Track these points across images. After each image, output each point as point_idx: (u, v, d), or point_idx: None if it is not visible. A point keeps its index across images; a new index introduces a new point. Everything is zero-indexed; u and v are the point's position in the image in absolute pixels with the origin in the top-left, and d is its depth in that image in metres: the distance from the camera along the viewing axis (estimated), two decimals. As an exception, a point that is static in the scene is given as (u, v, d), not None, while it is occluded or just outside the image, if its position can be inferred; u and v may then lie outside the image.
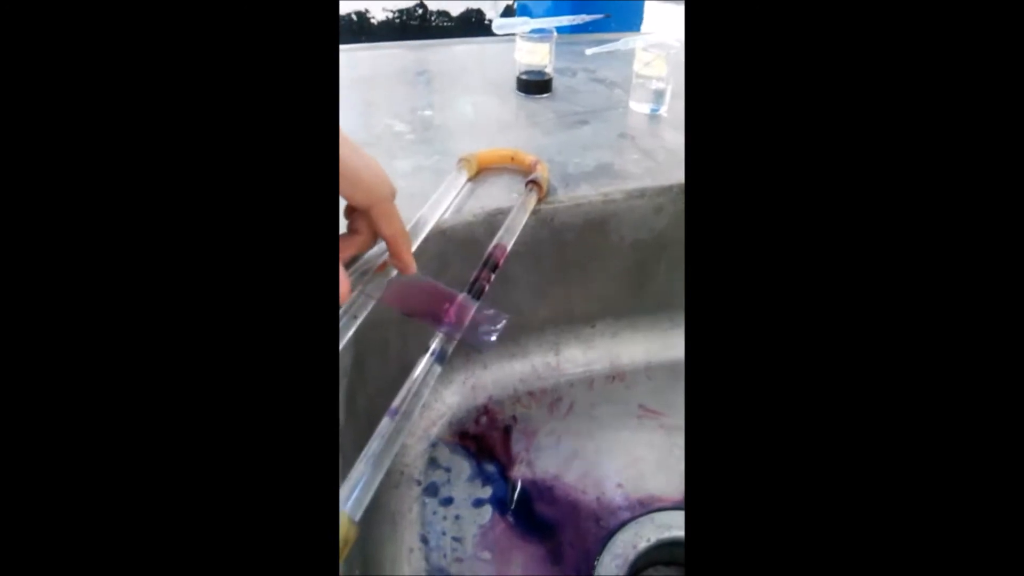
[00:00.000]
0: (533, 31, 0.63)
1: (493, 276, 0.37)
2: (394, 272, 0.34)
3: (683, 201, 0.50)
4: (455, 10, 1.21)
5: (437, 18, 1.24)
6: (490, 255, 0.38)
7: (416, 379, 0.29)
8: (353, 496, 0.24)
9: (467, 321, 0.32)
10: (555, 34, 0.63)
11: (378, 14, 1.32)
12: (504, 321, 0.32)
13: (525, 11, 0.95)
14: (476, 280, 0.36)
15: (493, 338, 0.30)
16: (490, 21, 0.94)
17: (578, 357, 0.54)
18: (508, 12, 1.02)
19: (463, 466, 0.46)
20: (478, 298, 0.34)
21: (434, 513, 0.43)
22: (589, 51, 0.70)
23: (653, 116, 0.61)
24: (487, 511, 0.43)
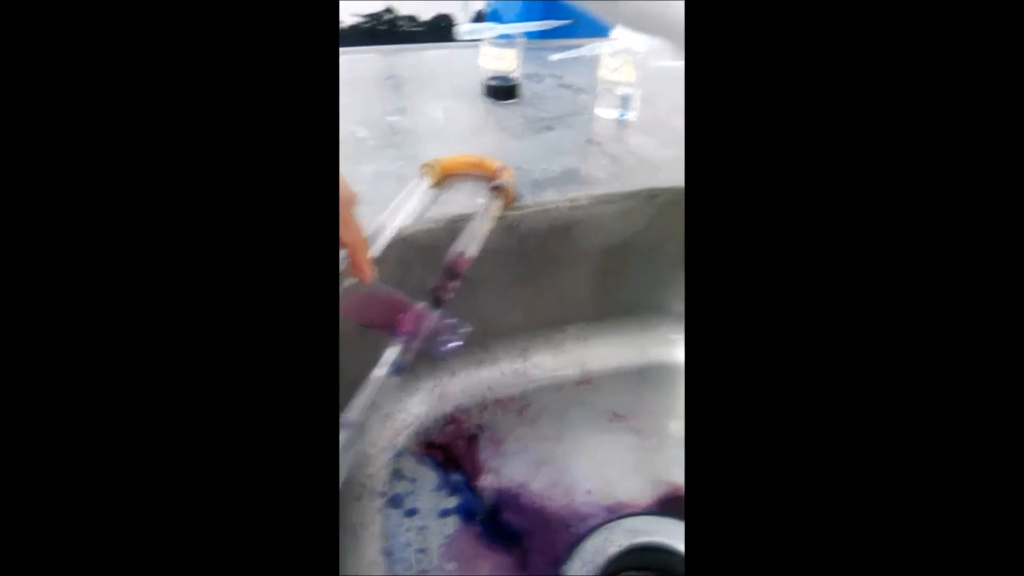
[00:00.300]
0: (500, 36, 0.63)
1: (453, 284, 0.36)
2: (351, 280, 0.33)
3: (650, 206, 0.50)
4: (424, 15, 1.20)
5: (406, 23, 1.23)
6: (450, 263, 0.37)
7: (369, 391, 0.28)
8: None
9: (425, 331, 0.31)
10: (522, 40, 0.63)
11: (346, 18, 1.31)
12: (465, 330, 0.32)
13: (496, 16, 0.95)
14: (435, 289, 0.35)
15: (450, 347, 0.29)
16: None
17: (547, 362, 0.53)
18: (479, 17, 1.02)
19: (428, 476, 0.45)
20: (438, 307, 0.34)
21: (398, 525, 0.42)
22: (555, 57, 0.70)
23: (620, 122, 0.61)
24: (453, 521, 0.43)
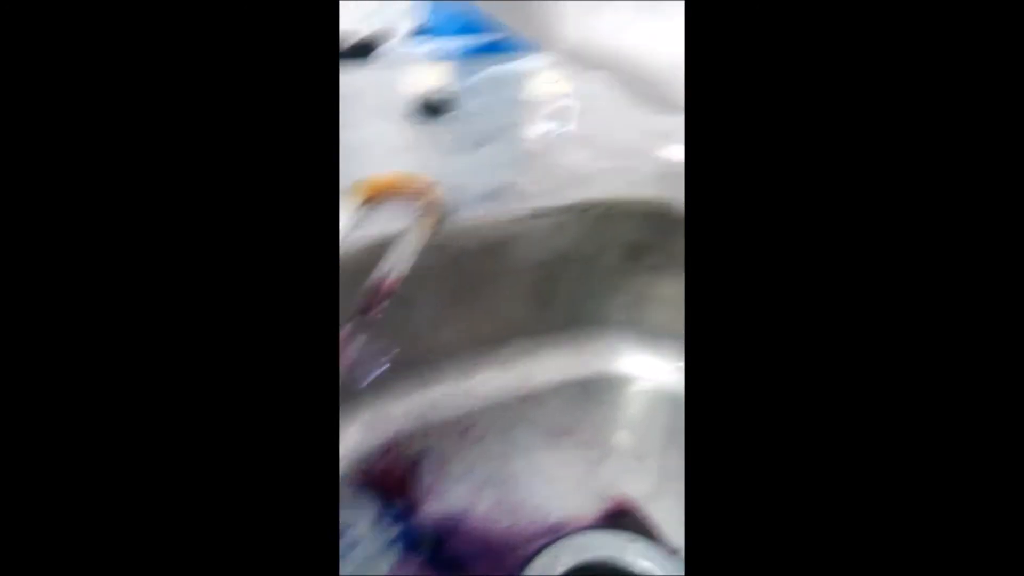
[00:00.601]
0: (433, 53, 0.62)
1: (381, 306, 0.35)
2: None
3: (584, 219, 0.50)
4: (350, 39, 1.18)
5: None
6: (375, 283, 0.36)
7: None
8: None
9: (347, 356, 0.30)
10: (456, 55, 0.63)
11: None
12: (392, 352, 0.30)
13: (437, 31, 0.94)
14: (362, 310, 0.34)
15: (373, 376, 0.28)
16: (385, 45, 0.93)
17: (489, 381, 0.52)
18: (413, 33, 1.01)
19: (368, 508, 0.44)
20: (365, 329, 0.33)
21: (339, 558, 0.40)
22: (488, 71, 0.70)
23: (553, 135, 0.61)
24: (394, 553, 0.41)
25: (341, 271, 0.41)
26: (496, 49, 0.75)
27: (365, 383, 0.30)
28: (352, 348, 0.31)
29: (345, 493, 0.44)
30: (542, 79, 0.61)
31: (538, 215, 0.48)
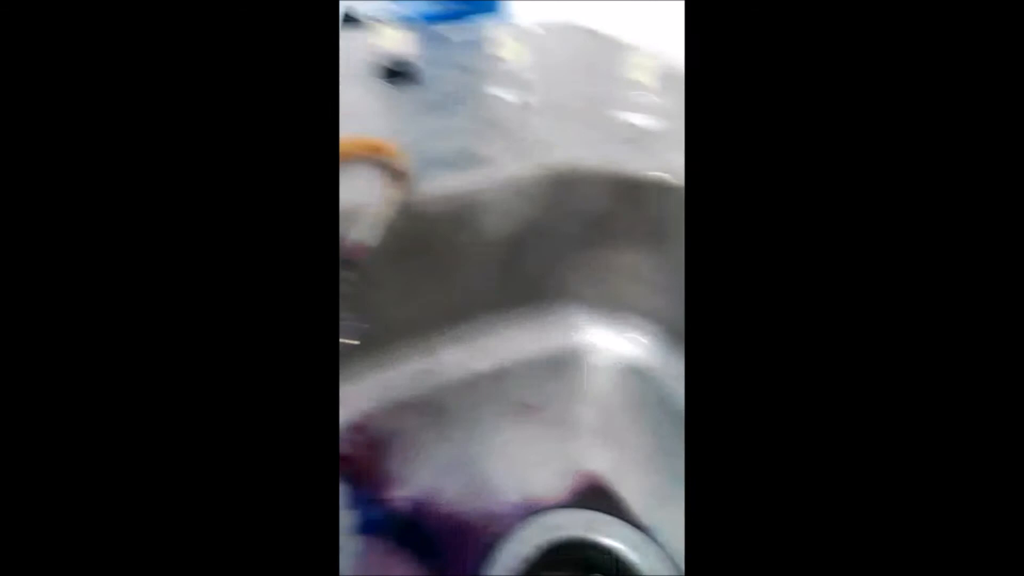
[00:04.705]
0: (396, 17, 0.59)
1: (348, 276, 0.33)
2: None
3: (552, 190, 0.48)
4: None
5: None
6: (346, 252, 0.34)
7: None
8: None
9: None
10: (419, 20, 0.60)
11: None
12: (361, 327, 0.28)
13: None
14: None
15: (346, 345, 0.26)
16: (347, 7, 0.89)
17: (455, 358, 0.51)
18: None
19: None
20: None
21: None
22: (453, 38, 0.67)
23: (519, 104, 0.60)
24: (363, 538, 0.39)
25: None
26: (460, 16, 0.72)
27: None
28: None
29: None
30: (505, 45, 0.58)
31: (501, 184, 0.47)
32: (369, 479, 0.43)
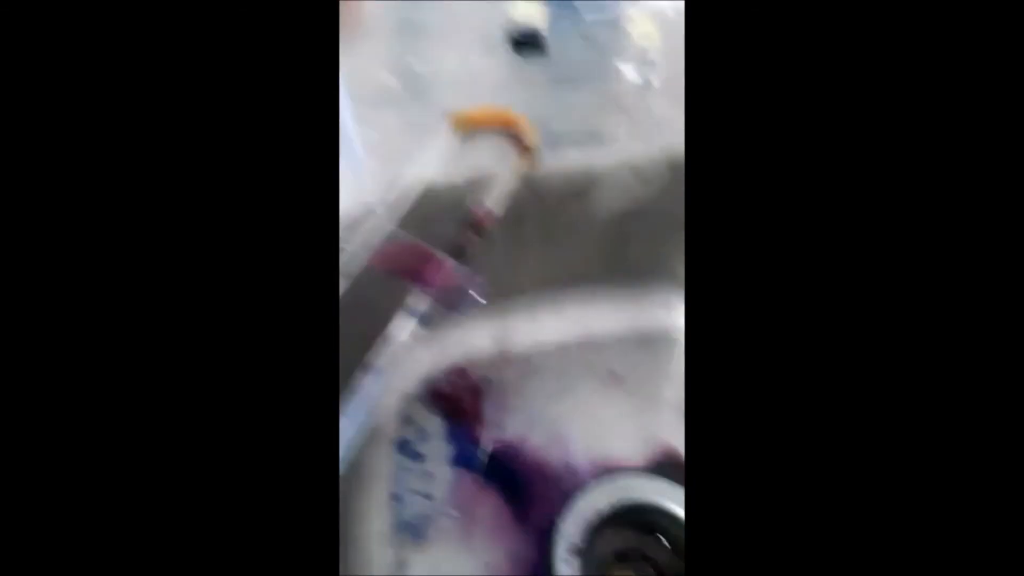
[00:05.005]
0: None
1: (477, 240, 0.37)
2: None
3: (669, 173, 0.50)
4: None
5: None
6: (477, 219, 0.38)
7: (395, 338, 0.29)
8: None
9: (449, 284, 0.32)
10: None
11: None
12: (483, 289, 0.32)
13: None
14: (460, 244, 0.36)
15: (475, 303, 0.30)
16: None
17: (552, 323, 0.54)
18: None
19: (435, 424, 0.47)
20: (461, 261, 0.34)
21: (404, 469, 0.44)
22: (587, 17, 0.68)
23: (645, 84, 0.61)
24: (457, 469, 0.44)
25: (436, 202, 0.43)
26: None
27: (461, 312, 0.32)
28: (448, 276, 0.33)
29: (415, 408, 0.47)
30: (638, 26, 0.59)
31: (623, 165, 0.49)
32: (463, 418, 0.48)
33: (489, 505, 0.43)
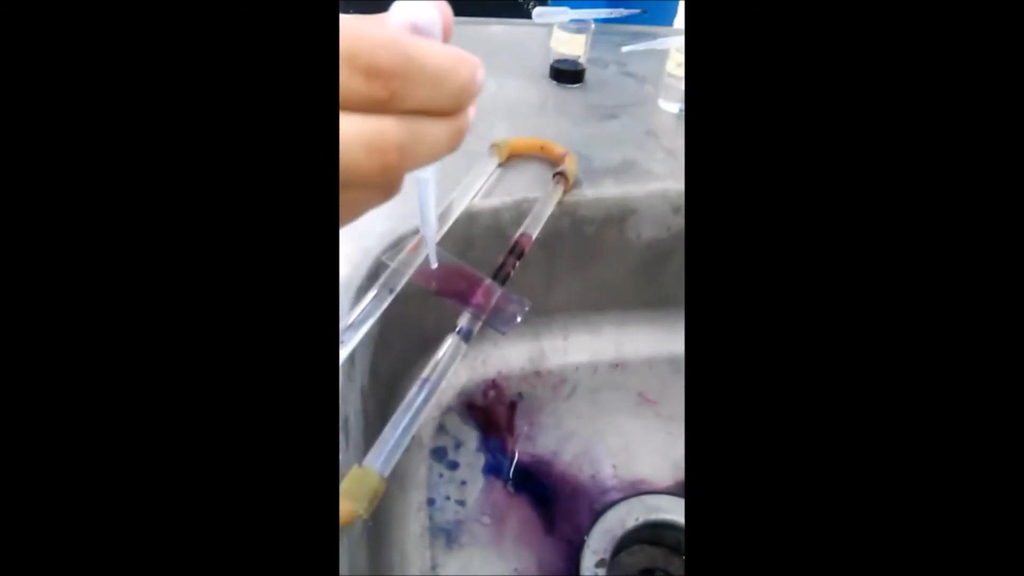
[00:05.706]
0: (571, 21, 0.64)
1: (518, 263, 0.39)
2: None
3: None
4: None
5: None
6: (516, 243, 0.40)
7: (444, 353, 0.31)
8: (383, 456, 0.27)
9: (492, 304, 0.34)
10: (592, 25, 0.65)
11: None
12: (526, 308, 0.34)
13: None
14: (502, 266, 0.38)
15: (516, 322, 0.32)
16: (525, 2, 0.94)
17: (585, 344, 0.56)
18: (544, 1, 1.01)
19: (470, 435, 0.49)
20: (503, 284, 0.37)
21: (440, 476, 0.46)
22: (625, 49, 0.71)
23: (681, 116, 0.63)
24: (489, 479, 0.46)
25: (478, 225, 0.46)
26: (630, 22, 0.76)
27: (501, 330, 0.35)
28: (489, 296, 0.35)
29: (452, 418, 0.50)
30: (676, 59, 0.61)
31: (657, 195, 0.51)
32: (497, 430, 0.50)
33: (519, 514, 0.45)
